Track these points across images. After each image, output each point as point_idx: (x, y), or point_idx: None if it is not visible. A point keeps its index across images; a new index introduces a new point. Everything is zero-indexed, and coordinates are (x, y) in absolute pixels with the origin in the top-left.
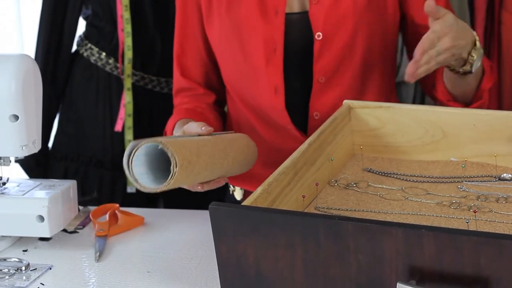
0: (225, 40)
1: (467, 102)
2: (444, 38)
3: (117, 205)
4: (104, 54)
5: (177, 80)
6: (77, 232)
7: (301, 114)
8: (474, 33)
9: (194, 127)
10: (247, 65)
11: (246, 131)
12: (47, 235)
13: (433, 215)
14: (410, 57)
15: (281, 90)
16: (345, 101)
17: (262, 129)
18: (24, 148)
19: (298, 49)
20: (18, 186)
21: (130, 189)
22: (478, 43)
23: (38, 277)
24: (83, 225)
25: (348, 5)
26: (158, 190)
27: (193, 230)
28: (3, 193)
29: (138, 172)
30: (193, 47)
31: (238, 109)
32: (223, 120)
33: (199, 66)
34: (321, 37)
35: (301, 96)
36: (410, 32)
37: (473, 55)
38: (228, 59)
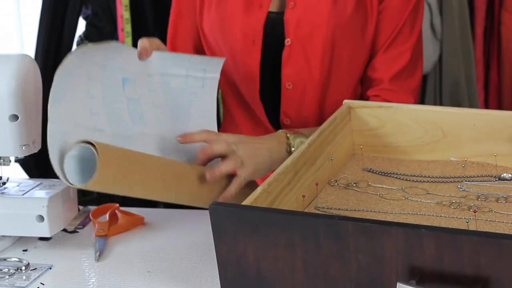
0: (211, 33)
1: None
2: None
3: (117, 205)
4: None
5: None
6: (77, 232)
7: (276, 114)
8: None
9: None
10: (229, 56)
11: (233, 129)
12: (47, 235)
13: (433, 215)
14: None
15: (257, 82)
16: (345, 101)
17: (247, 125)
18: (24, 148)
19: (273, 47)
20: (18, 186)
21: None
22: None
23: (38, 276)
24: (83, 225)
25: (323, 16)
26: (82, 187)
27: (193, 230)
28: (3, 193)
29: (68, 168)
30: (186, 32)
31: (229, 107)
32: None
33: (190, 47)
34: (289, 43)
35: (274, 95)
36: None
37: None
38: (215, 51)
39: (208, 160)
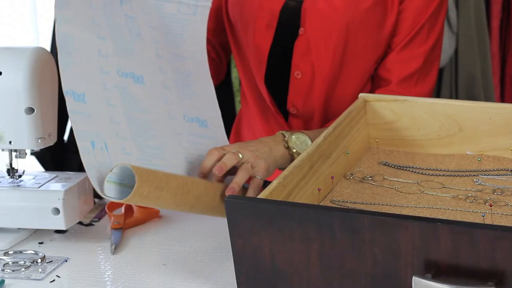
0: (232, 7)
1: None
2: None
3: None
4: None
5: None
6: (92, 224)
7: (284, 102)
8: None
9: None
10: (244, 35)
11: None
12: (63, 228)
13: (448, 209)
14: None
15: (264, 66)
16: (361, 94)
17: (255, 107)
18: (40, 140)
19: (286, 34)
20: (34, 178)
21: None
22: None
23: (54, 269)
24: (99, 217)
25: (339, 9)
26: (120, 201)
27: (209, 223)
28: (19, 186)
29: (107, 186)
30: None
31: (243, 87)
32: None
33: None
34: (303, 32)
35: (283, 83)
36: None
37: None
38: (232, 24)
39: (224, 176)
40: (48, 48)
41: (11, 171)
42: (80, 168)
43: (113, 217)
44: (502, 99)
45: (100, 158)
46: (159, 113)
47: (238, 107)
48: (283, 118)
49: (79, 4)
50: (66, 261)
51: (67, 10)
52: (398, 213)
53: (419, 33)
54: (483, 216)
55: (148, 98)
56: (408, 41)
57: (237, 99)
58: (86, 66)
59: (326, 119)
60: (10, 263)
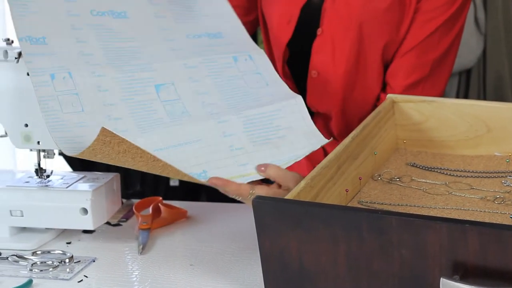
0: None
1: None
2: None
3: (160, 198)
4: None
5: None
6: (120, 225)
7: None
8: None
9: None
10: (269, 28)
11: None
12: (91, 228)
13: (477, 210)
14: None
15: (280, 59)
16: (389, 95)
17: None
18: None
19: (306, 32)
20: (62, 178)
21: (173, 182)
22: None
23: (82, 269)
24: (127, 218)
25: (356, 11)
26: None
27: (236, 223)
28: (47, 186)
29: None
30: None
31: None
32: None
33: None
34: (321, 32)
35: (301, 80)
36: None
37: None
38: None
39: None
40: None
41: (39, 171)
42: (108, 168)
43: (141, 217)
44: None
45: (62, 87)
46: (149, 39)
47: None
48: None
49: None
50: (94, 261)
51: None
52: (426, 214)
53: (430, 38)
54: (511, 217)
55: (133, 29)
56: (415, 46)
57: None
58: (47, 13)
59: (345, 121)
60: (38, 263)
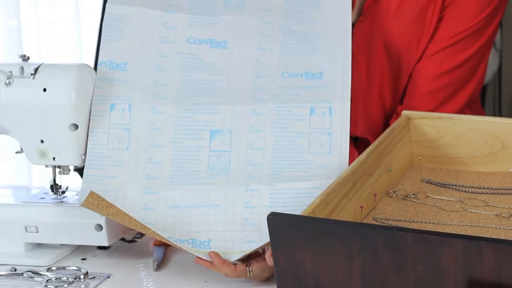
0: None
1: None
2: None
3: None
4: None
5: None
6: (135, 241)
7: None
8: None
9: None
10: None
11: None
12: (106, 244)
13: (492, 227)
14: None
15: None
16: (404, 112)
17: None
18: (83, 157)
19: None
20: (77, 195)
21: None
22: None
23: (97, 285)
24: (141, 234)
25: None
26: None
27: None
28: (62, 202)
29: None
30: None
31: None
32: None
33: None
34: None
35: None
36: None
37: None
38: None
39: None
40: (92, 64)
41: (55, 187)
42: None
43: None
44: None
45: (117, 120)
46: (237, 74)
47: None
48: None
49: None
50: (109, 277)
51: None
52: (441, 231)
53: (450, 48)
54: None
55: (227, 61)
56: (436, 53)
57: None
58: (139, 39)
59: (372, 134)
60: (53, 279)
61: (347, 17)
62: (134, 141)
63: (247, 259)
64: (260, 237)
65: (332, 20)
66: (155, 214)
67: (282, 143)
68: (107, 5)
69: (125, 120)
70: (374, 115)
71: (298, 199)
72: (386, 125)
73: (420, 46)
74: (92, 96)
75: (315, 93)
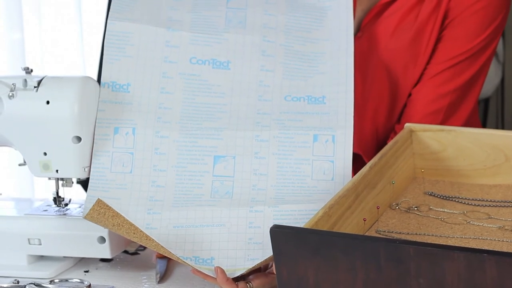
0: None
1: None
2: None
3: None
4: None
5: None
6: (138, 253)
7: None
8: None
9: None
10: None
11: None
12: (109, 256)
13: (495, 240)
14: None
15: None
16: (407, 124)
17: None
18: (86, 169)
19: None
20: (80, 207)
21: None
22: None
23: None
24: (144, 246)
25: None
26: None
27: None
28: (65, 214)
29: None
30: None
31: None
32: None
33: None
34: None
35: None
36: None
37: None
38: None
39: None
40: (95, 77)
41: (58, 199)
42: None
43: None
44: None
45: (120, 144)
46: (240, 97)
47: None
48: None
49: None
50: None
51: (124, 11)
52: (444, 243)
53: (451, 69)
54: None
55: (229, 82)
56: (436, 75)
57: None
58: (141, 58)
59: (364, 150)
60: None
61: (349, 36)
62: (138, 165)
63: (247, 275)
64: (264, 255)
65: (334, 39)
66: (157, 233)
67: (286, 170)
68: (108, 21)
69: (129, 144)
70: (366, 133)
71: (302, 221)
72: (378, 144)
73: (418, 65)
74: (96, 118)
75: (318, 119)
